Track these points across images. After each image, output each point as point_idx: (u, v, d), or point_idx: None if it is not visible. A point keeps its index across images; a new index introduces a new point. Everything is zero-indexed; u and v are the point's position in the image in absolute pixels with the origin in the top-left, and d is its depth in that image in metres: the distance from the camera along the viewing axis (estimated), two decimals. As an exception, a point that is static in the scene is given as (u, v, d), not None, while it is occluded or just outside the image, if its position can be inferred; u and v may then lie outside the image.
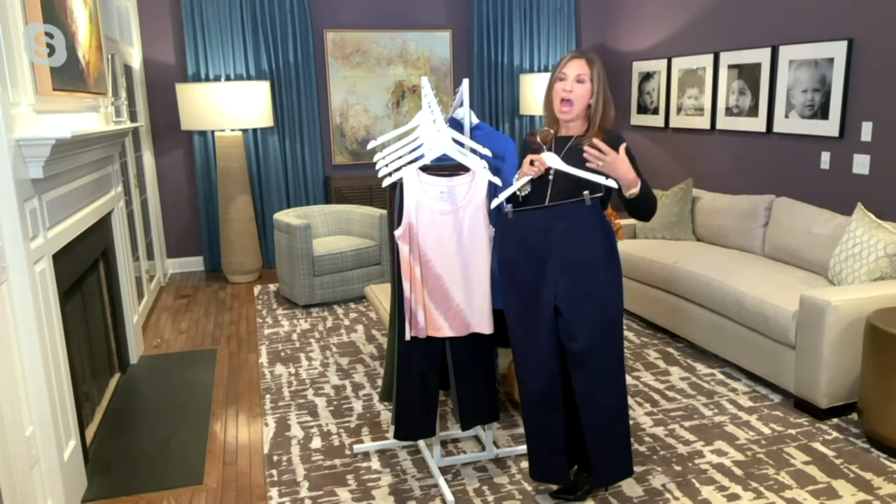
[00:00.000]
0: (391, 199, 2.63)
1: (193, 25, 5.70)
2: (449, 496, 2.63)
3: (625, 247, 4.70)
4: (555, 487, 2.68)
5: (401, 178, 2.50)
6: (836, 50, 4.09)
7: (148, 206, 5.55)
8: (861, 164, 4.03)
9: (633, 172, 2.29)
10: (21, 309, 2.40)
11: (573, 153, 2.42)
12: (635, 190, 2.32)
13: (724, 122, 5.12)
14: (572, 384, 2.44)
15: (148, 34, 5.78)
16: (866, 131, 3.98)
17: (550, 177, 2.45)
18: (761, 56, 4.69)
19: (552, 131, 2.52)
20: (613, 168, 2.26)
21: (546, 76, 6.16)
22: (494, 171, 2.72)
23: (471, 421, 2.75)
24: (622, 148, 2.28)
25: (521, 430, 3.20)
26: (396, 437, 2.72)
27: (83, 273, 3.34)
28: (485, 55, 6.48)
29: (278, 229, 5.18)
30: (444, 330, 2.57)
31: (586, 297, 2.34)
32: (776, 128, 4.62)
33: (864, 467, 2.82)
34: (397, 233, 2.48)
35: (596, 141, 2.28)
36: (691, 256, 4.22)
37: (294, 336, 4.52)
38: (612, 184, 2.30)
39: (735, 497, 2.64)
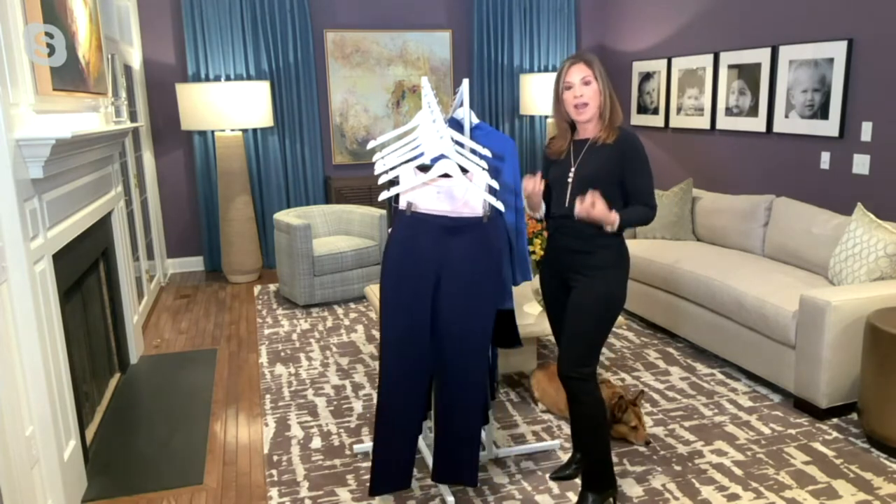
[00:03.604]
0: (390, 200, 2.62)
1: (193, 25, 5.70)
2: (449, 496, 2.63)
3: (625, 247, 4.71)
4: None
5: (397, 177, 2.49)
6: (836, 50, 4.09)
7: (148, 206, 5.55)
8: (861, 164, 4.03)
9: (606, 215, 2.34)
10: (21, 309, 2.40)
11: (591, 153, 2.46)
12: (611, 228, 2.38)
13: (724, 122, 5.12)
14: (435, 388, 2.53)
15: (148, 34, 5.78)
16: (866, 131, 3.98)
17: (570, 180, 2.46)
18: (761, 56, 4.69)
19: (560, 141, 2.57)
20: (594, 216, 2.34)
21: (546, 76, 6.16)
22: (494, 171, 2.72)
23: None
24: (592, 201, 2.33)
25: (521, 429, 3.20)
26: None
27: (83, 273, 3.34)
28: (485, 55, 6.48)
29: (278, 229, 5.18)
30: None
31: (462, 308, 2.42)
32: (776, 128, 4.63)
33: (864, 467, 2.82)
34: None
35: (582, 207, 2.34)
36: (691, 256, 4.22)
37: (294, 336, 4.52)
38: (500, 206, 2.42)
39: (735, 497, 2.64)
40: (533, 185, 2.46)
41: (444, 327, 2.44)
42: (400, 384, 2.47)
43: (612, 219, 2.36)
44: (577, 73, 2.41)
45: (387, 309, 2.44)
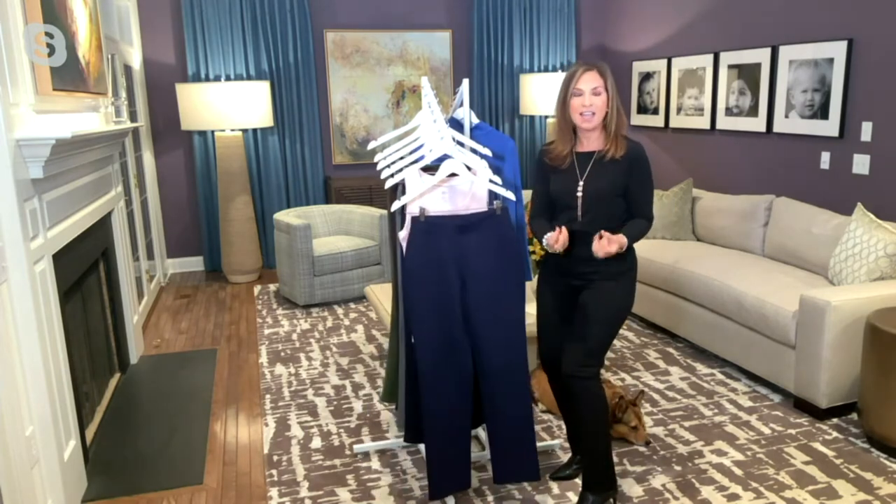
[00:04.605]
0: (392, 201, 2.62)
1: (193, 25, 5.70)
2: (449, 497, 2.63)
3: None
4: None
5: (403, 180, 2.49)
6: (836, 50, 4.09)
7: (148, 206, 5.55)
8: (861, 164, 4.03)
9: (622, 246, 2.36)
10: (21, 309, 2.40)
11: (599, 167, 2.44)
12: (622, 250, 2.41)
13: (724, 122, 5.12)
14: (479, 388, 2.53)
15: (148, 34, 5.78)
16: (866, 131, 3.98)
17: (579, 194, 2.44)
18: (761, 56, 4.69)
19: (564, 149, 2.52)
20: (606, 243, 2.36)
21: (546, 76, 6.16)
22: (495, 171, 2.72)
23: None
24: (607, 242, 2.35)
25: (521, 430, 3.20)
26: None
27: (83, 273, 3.34)
28: (485, 55, 6.48)
29: (278, 229, 5.18)
30: None
31: (492, 304, 2.43)
32: (776, 128, 4.63)
33: (864, 467, 2.82)
34: (402, 234, 2.48)
35: (599, 245, 2.35)
36: (691, 256, 4.22)
37: (294, 336, 4.52)
38: (510, 195, 2.44)
39: (735, 497, 2.64)
40: (560, 239, 2.37)
41: (477, 325, 2.45)
42: (443, 389, 2.46)
43: (624, 242, 2.38)
44: (590, 81, 2.37)
45: (418, 318, 2.43)
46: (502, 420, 2.51)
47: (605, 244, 2.32)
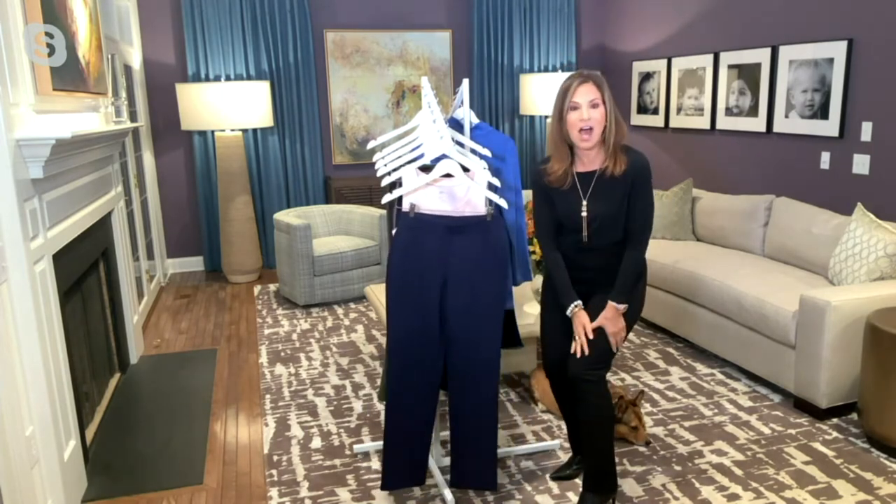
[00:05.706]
0: (392, 202, 2.62)
1: (193, 25, 5.70)
2: (449, 496, 2.63)
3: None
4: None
5: (400, 178, 2.49)
6: (836, 50, 4.09)
7: (148, 206, 5.55)
8: (861, 164, 4.03)
9: (619, 317, 2.43)
10: (21, 309, 2.40)
11: (601, 186, 2.40)
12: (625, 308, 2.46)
13: (724, 122, 5.12)
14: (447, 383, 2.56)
15: (148, 34, 5.78)
16: (866, 131, 3.98)
17: (584, 214, 2.41)
18: (761, 56, 4.69)
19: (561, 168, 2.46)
20: (616, 330, 2.43)
21: (546, 76, 6.16)
22: (494, 171, 2.72)
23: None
24: (612, 326, 2.42)
25: (521, 429, 3.20)
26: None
27: (83, 273, 3.34)
28: (485, 55, 6.48)
29: (278, 229, 5.18)
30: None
31: (469, 308, 2.43)
32: (776, 128, 4.63)
33: (864, 467, 2.82)
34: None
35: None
36: (691, 256, 4.22)
37: (294, 336, 4.52)
38: (503, 203, 2.42)
39: (735, 497, 2.64)
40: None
41: (452, 328, 2.44)
42: (409, 386, 2.46)
43: (622, 309, 2.42)
44: (586, 94, 2.30)
45: (394, 311, 2.44)
46: (466, 426, 2.50)
47: (612, 329, 2.40)
